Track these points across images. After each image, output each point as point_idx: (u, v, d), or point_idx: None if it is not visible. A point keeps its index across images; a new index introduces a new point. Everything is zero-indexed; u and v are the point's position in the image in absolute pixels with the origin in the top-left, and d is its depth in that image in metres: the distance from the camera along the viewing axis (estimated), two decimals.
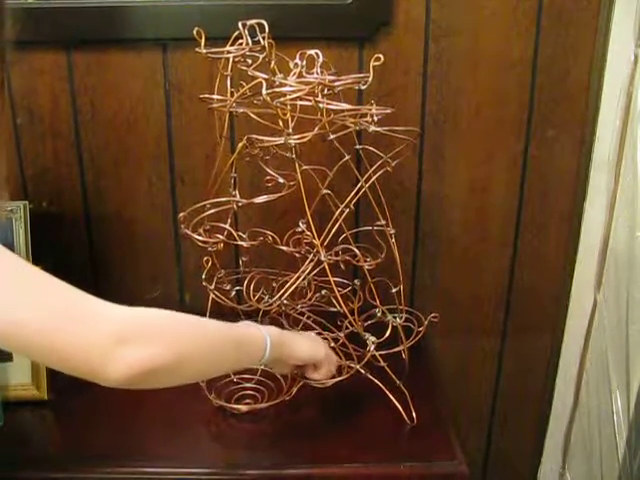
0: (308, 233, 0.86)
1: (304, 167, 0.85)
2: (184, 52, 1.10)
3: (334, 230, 0.89)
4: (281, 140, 0.82)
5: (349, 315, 0.90)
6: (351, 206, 0.91)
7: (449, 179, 1.20)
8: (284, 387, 1.00)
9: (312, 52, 0.85)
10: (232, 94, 0.86)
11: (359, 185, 0.92)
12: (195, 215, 0.91)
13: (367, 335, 0.92)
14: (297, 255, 0.94)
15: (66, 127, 1.15)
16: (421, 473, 0.88)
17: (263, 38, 0.84)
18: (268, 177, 0.88)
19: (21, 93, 1.13)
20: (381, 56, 0.86)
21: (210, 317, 0.85)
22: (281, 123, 0.82)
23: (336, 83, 0.84)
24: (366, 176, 0.92)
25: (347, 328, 0.98)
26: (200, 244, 0.90)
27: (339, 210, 0.91)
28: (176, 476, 0.88)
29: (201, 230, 0.91)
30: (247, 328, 0.81)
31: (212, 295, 0.94)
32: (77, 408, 1.00)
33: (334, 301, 0.90)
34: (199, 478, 0.88)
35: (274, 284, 1.00)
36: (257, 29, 0.84)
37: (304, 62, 0.83)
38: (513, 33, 1.11)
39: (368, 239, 1.01)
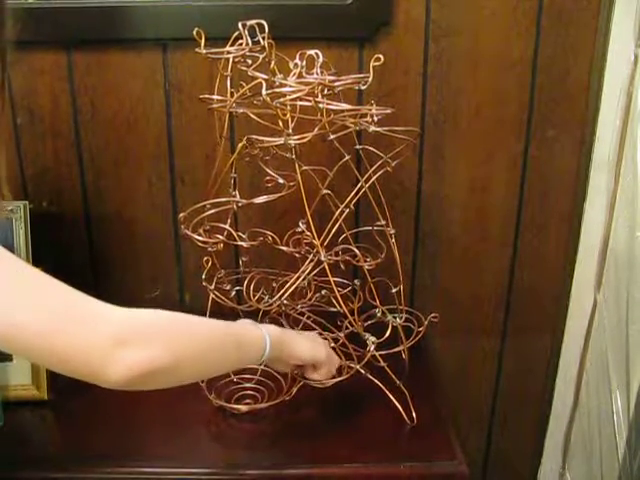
0: (308, 233, 0.86)
1: (304, 167, 0.85)
2: (184, 52, 1.10)
3: (334, 230, 0.89)
4: (281, 140, 0.82)
5: (349, 315, 0.90)
6: (351, 206, 0.91)
7: (449, 179, 1.21)
8: (284, 387, 1.00)
9: (312, 52, 0.85)
10: (232, 94, 0.86)
11: (359, 185, 0.92)
12: (195, 215, 0.91)
13: (367, 335, 0.92)
14: (297, 255, 0.94)
15: (66, 127, 1.15)
16: (421, 473, 0.88)
17: (263, 38, 0.84)
18: (268, 177, 0.88)
19: (21, 93, 1.13)
20: (381, 56, 0.86)
21: (210, 317, 0.85)
22: (281, 123, 0.82)
23: (336, 83, 0.84)
24: (366, 176, 0.93)
25: (347, 328, 0.98)
26: (200, 244, 0.90)
27: (339, 210, 0.91)
28: (176, 476, 0.88)
29: (201, 230, 0.91)
30: (247, 327, 0.81)
31: (212, 295, 0.94)
32: (77, 408, 1.00)
33: (334, 301, 0.90)
34: (199, 478, 0.88)
35: (274, 284, 1.00)
36: (257, 29, 0.84)
37: (304, 62, 0.83)
38: (513, 33, 1.11)
39: (368, 239, 1.01)
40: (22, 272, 0.63)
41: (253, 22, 0.84)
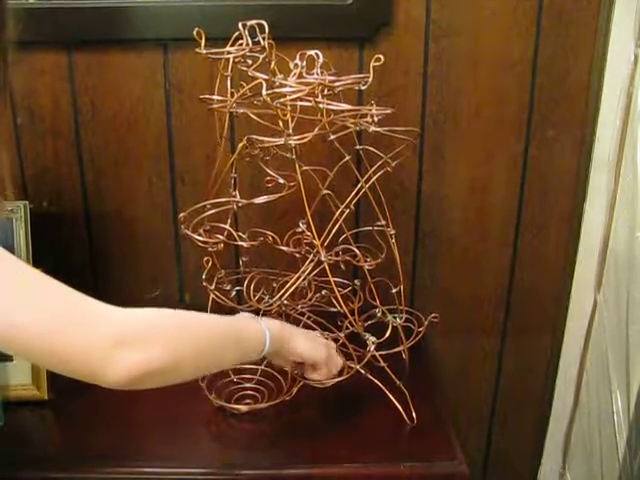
0: (308, 233, 0.86)
1: (304, 167, 0.85)
2: (184, 52, 1.10)
3: (334, 230, 0.89)
4: (281, 141, 0.82)
5: (349, 315, 0.90)
6: (351, 206, 0.91)
7: (449, 179, 1.21)
8: (284, 387, 1.00)
9: (312, 52, 0.85)
10: (232, 94, 0.86)
11: (359, 185, 0.92)
12: (195, 215, 0.91)
13: (367, 335, 0.92)
14: (297, 255, 0.94)
15: (66, 127, 1.16)
16: (421, 473, 0.88)
17: (263, 38, 0.84)
18: (268, 177, 0.88)
19: (22, 93, 1.13)
20: (381, 56, 0.86)
21: None
22: (281, 124, 0.82)
23: (336, 83, 0.84)
24: (366, 176, 0.93)
25: (347, 328, 0.98)
26: (200, 244, 0.90)
27: (339, 210, 0.91)
28: (176, 476, 0.88)
29: (201, 230, 0.91)
30: (246, 322, 0.81)
31: (212, 295, 0.94)
32: (77, 408, 1.00)
33: (334, 301, 0.90)
34: (199, 478, 0.88)
35: (274, 284, 1.00)
36: (257, 29, 0.84)
37: (304, 63, 0.83)
38: (513, 33, 1.11)
39: (368, 239, 1.01)
40: (22, 273, 0.63)
41: (253, 22, 0.84)
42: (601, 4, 1.09)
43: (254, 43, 0.84)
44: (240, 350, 0.79)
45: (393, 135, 0.91)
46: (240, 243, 0.94)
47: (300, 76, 0.82)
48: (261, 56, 0.85)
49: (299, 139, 0.81)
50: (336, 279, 0.88)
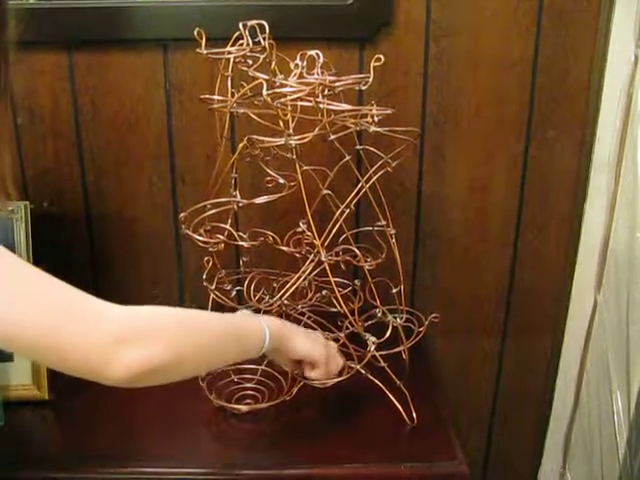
0: (309, 233, 0.86)
1: (305, 167, 0.85)
2: (185, 52, 1.10)
3: (334, 230, 0.89)
4: (282, 141, 0.82)
5: (349, 315, 0.90)
6: (351, 206, 0.91)
7: (449, 179, 1.21)
8: (284, 387, 1.00)
9: (313, 53, 0.85)
10: (233, 95, 0.86)
11: (359, 185, 0.93)
12: (196, 215, 0.91)
13: (367, 335, 0.92)
14: (298, 255, 0.94)
15: (67, 127, 1.16)
16: (421, 473, 0.88)
17: (264, 39, 0.84)
18: (269, 177, 0.88)
19: (22, 93, 1.13)
20: (381, 56, 0.86)
21: None
22: (282, 124, 0.82)
23: (336, 84, 0.84)
24: (366, 176, 0.93)
25: (347, 328, 0.98)
26: (201, 244, 0.90)
27: (339, 210, 0.91)
28: (176, 476, 0.88)
29: (202, 230, 0.91)
30: (246, 319, 0.82)
31: (213, 295, 0.95)
32: (78, 408, 1.00)
33: (334, 301, 0.90)
34: (199, 478, 0.88)
35: (275, 284, 1.00)
36: (258, 30, 0.84)
37: (305, 63, 0.83)
38: (513, 33, 1.11)
39: (368, 239, 1.01)
40: (22, 271, 0.63)
41: (254, 22, 0.84)
42: (601, 4, 1.09)
43: (254, 43, 0.85)
44: (240, 347, 0.79)
45: (393, 135, 0.91)
46: (240, 243, 0.94)
47: (300, 76, 0.82)
48: (261, 56, 0.85)
49: (299, 139, 0.81)
50: (336, 279, 0.88)
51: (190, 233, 0.89)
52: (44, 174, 1.18)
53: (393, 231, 0.95)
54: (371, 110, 0.88)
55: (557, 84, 1.15)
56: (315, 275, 0.91)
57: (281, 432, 0.95)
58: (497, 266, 1.27)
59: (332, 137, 0.87)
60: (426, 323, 1.00)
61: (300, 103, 0.83)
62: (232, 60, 0.85)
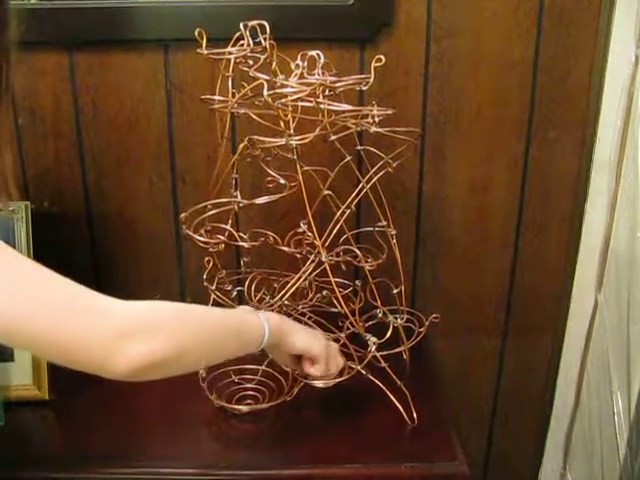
0: (309, 234, 0.86)
1: (305, 168, 0.85)
2: (185, 53, 1.10)
3: (335, 231, 0.89)
4: (282, 141, 0.82)
5: (350, 316, 0.90)
6: (352, 207, 0.91)
7: (450, 180, 1.21)
8: (285, 388, 1.00)
9: (313, 53, 0.85)
10: (233, 95, 0.86)
11: (360, 186, 0.93)
12: (196, 216, 0.91)
13: (368, 336, 0.92)
14: (298, 256, 0.94)
15: (68, 127, 1.16)
16: (422, 474, 0.88)
17: (264, 39, 0.84)
18: (269, 178, 0.88)
19: (23, 94, 1.13)
20: (382, 57, 0.86)
21: None
22: (282, 124, 0.82)
23: (337, 84, 0.84)
24: (367, 177, 0.93)
25: (348, 329, 0.98)
26: (201, 245, 0.90)
27: (340, 211, 0.91)
28: (177, 476, 0.88)
29: (202, 231, 0.91)
30: (246, 315, 0.82)
31: (213, 295, 0.95)
32: (78, 408, 1.00)
33: (335, 302, 0.90)
34: (200, 478, 0.88)
35: (275, 285, 1.01)
36: (258, 30, 0.84)
37: (305, 63, 0.83)
38: (514, 34, 1.11)
39: (369, 240, 1.01)
40: (24, 266, 0.63)
41: (254, 23, 0.84)
42: (602, 5, 1.09)
43: (255, 44, 0.85)
44: (240, 341, 0.79)
45: (394, 136, 0.91)
46: (241, 243, 0.94)
47: (301, 77, 0.83)
48: (262, 57, 0.85)
49: (300, 139, 0.81)
50: (337, 279, 0.88)
51: (191, 233, 0.89)
52: (45, 174, 1.18)
53: (394, 231, 0.95)
54: (372, 110, 0.88)
55: (558, 84, 1.15)
56: (316, 275, 0.92)
57: (282, 432, 0.95)
58: (498, 266, 1.27)
59: (333, 137, 0.87)
60: (427, 323, 1.00)
61: (301, 103, 0.83)
62: (233, 60, 0.85)
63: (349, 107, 0.85)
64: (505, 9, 1.10)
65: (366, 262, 0.91)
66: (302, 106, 0.83)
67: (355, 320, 0.91)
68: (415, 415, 0.94)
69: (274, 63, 0.86)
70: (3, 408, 0.98)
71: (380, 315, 0.98)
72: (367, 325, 0.99)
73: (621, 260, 1.13)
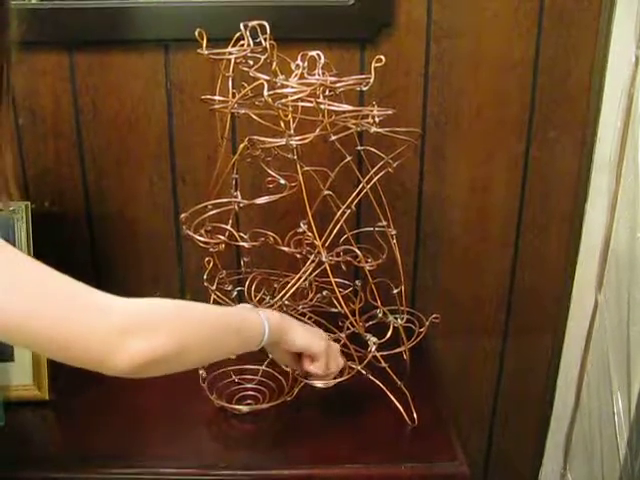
0: (309, 234, 0.86)
1: (305, 168, 0.85)
2: (186, 53, 1.10)
3: (335, 231, 0.89)
4: (282, 141, 0.82)
5: (350, 316, 0.90)
6: (352, 207, 0.91)
7: (450, 180, 1.21)
8: (285, 388, 1.00)
9: (314, 53, 0.85)
10: (234, 95, 0.86)
11: (360, 186, 0.93)
12: (197, 216, 0.91)
13: (368, 336, 0.92)
14: (298, 256, 0.94)
15: (68, 127, 1.16)
16: (422, 474, 0.88)
17: (265, 39, 0.84)
18: (269, 178, 0.88)
19: (23, 94, 1.13)
20: (382, 57, 0.86)
21: None
22: (282, 124, 0.82)
23: (337, 84, 0.84)
24: (367, 177, 0.93)
25: (348, 329, 0.98)
26: (201, 245, 0.90)
27: (340, 211, 0.91)
28: (177, 476, 0.88)
29: (202, 231, 0.91)
30: (246, 313, 0.82)
31: (213, 296, 0.95)
32: (78, 408, 1.00)
33: (335, 302, 0.90)
34: (200, 478, 0.88)
35: (275, 285, 1.01)
36: (259, 30, 0.84)
37: (305, 63, 0.83)
38: (514, 34, 1.11)
39: (369, 240, 1.01)
40: (24, 264, 0.63)
41: (255, 23, 0.84)
42: (602, 5, 1.09)
43: (255, 44, 0.85)
44: (240, 339, 0.79)
45: (394, 136, 0.91)
46: (241, 244, 0.94)
47: (301, 77, 0.83)
48: (262, 57, 0.85)
49: (300, 140, 0.81)
50: (337, 280, 0.88)
51: (191, 233, 0.89)
52: (45, 174, 1.18)
53: (394, 231, 0.95)
54: (372, 111, 0.88)
55: (558, 85, 1.15)
56: (316, 275, 0.91)
57: (282, 432, 0.95)
58: (498, 266, 1.27)
59: (333, 138, 0.87)
60: (427, 323, 1.00)
61: (301, 104, 0.83)
62: (233, 61, 0.85)
63: (349, 107, 0.85)
64: (505, 9, 1.10)
65: (366, 262, 0.91)
66: (302, 106, 0.83)
67: (355, 320, 0.91)
68: (415, 415, 0.94)
69: (274, 63, 0.86)
70: (3, 408, 0.98)
71: (380, 315, 0.98)
72: (367, 325, 0.99)
73: (621, 260, 1.13)
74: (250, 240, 0.95)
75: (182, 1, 1.08)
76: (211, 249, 0.90)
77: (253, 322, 0.80)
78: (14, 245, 1.00)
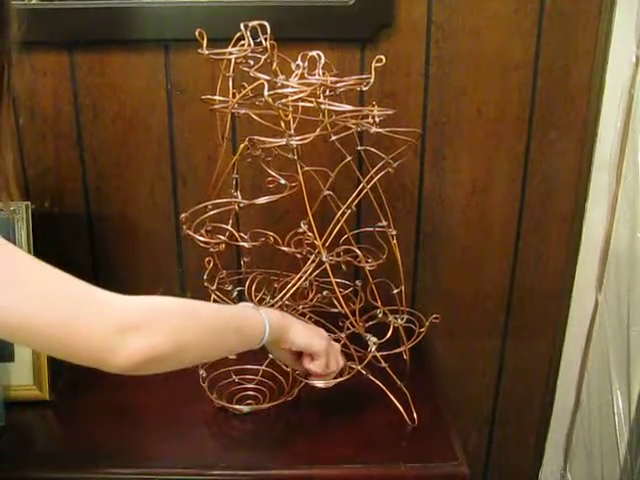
0: (309, 234, 0.86)
1: (306, 168, 0.85)
2: (186, 53, 1.10)
3: (335, 231, 0.89)
4: (283, 141, 0.82)
5: (350, 316, 0.90)
6: (352, 207, 0.91)
7: (450, 180, 1.21)
8: (286, 388, 1.00)
9: (314, 53, 0.85)
10: (234, 95, 0.87)
11: (360, 186, 0.93)
12: (197, 216, 0.91)
13: (368, 336, 0.92)
14: (298, 256, 0.94)
15: (68, 127, 1.16)
16: (422, 474, 0.88)
17: (265, 39, 0.84)
18: (270, 178, 0.88)
19: (23, 94, 1.13)
20: (383, 57, 0.86)
21: None
22: (283, 124, 0.82)
23: (338, 84, 0.85)
24: (367, 177, 0.93)
25: (348, 329, 0.98)
26: (202, 245, 0.90)
27: (340, 211, 0.91)
28: (178, 476, 0.88)
29: (203, 231, 0.91)
30: (246, 311, 0.82)
31: (214, 296, 0.95)
32: (79, 408, 1.00)
33: (335, 302, 0.90)
34: (201, 478, 0.88)
35: (275, 285, 1.01)
36: (259, 30, 0.84)
37: (306, 63, 0.83)
38: (515, 35, 1.11)
39: (369, 240, 1.01)
40: (24, 262, 0.63)
41: (255, 23, 0.84)
42: (602, 6, 1.09)
43: (256, 44, 0.85)
44: (241, 337, 0.79)
45: (394, 136, 0.91)
46: (241, 244, 0.94)
47: (302, 77, 0.83)
48: (263, 57, 0.85)
49: (301, 140, 0.81)
50: (337, 280, 0.88)
51: (191, 233, 0.89)
52: (45, 174, 1.18)
53: (394, 232, 0.96)
54: (372, 111, 0.88)
55: (558, 85, 1.15)
56: (316, 276, 0.91)
57: (282, 432, 0.95)
58: (498, 266, 1.27)
59: (333, 138, 0.87)
60: (427, 324, 1.00)
61: (301, 104, 0.83)
62: (233, 61, 0.85)
63: (350, 107, 0.85)
64: (505, 10, 1.10)
65: (366, 262, 0.91)
66: (303, 106, 0.84)
67: (355, 320, 0.91)
68: (415, 415, 0.94)
69: (275, 63, 0.86)
70: (4, 408, 0.98)
71: (380, 315, 0.98)
72: (367, 325, 0.99)
73: (621, 260, 1.13)
74: (250, 240, 0.95)
75: (182, 1, 1.08)
76: (211, 249, 0.91)
77: (253, 320, 0.80)
78: (14, 245, 1.00)
